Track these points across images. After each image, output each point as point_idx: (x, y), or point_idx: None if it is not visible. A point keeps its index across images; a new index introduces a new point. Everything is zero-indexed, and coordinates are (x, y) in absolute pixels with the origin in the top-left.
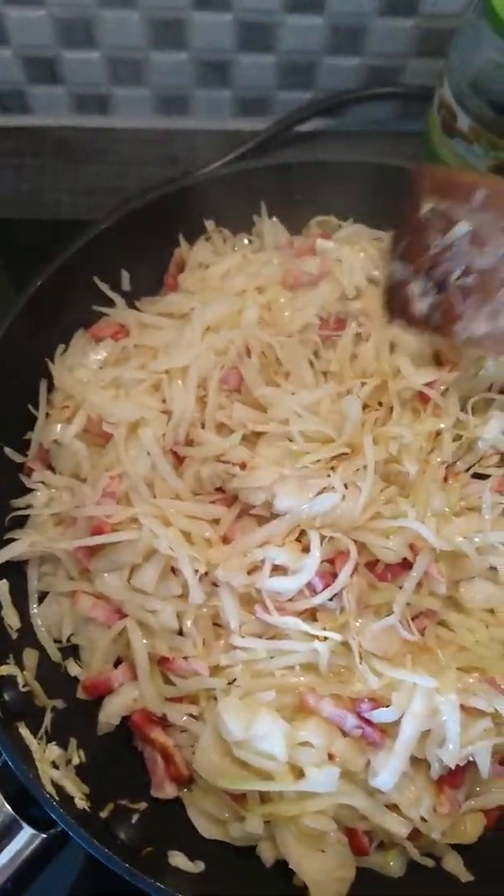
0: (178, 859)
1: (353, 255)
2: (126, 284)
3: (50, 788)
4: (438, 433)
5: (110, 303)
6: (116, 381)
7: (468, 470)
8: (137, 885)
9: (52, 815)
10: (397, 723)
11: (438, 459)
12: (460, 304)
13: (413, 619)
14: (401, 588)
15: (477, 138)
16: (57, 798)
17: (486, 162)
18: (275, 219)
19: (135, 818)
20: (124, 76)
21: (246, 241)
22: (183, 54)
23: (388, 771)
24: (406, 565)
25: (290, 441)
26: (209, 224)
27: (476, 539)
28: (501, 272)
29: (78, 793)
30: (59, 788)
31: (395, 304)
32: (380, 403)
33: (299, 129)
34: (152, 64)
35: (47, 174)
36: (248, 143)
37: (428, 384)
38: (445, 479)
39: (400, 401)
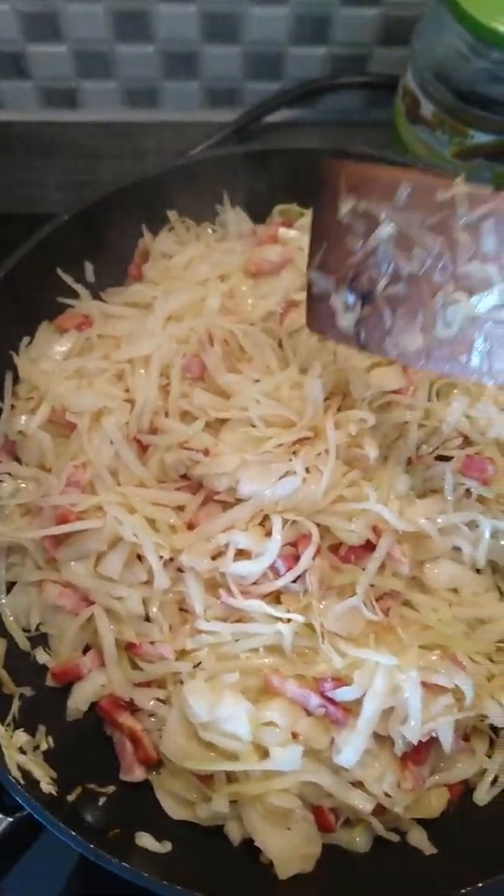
0: (145, 840)
1: None
2: (90, 276)
3: (15, 772)
4: (405, 423)
5: (75, 294)
6: (80, 371)
7: (432, 453)
8: (102, 865)
9: (17, 797)
10: (360, 701)
11: (403, 447)
12: (389, 316)
13: (378, 600)
14: (364, 570)
15: (440, 125)
16: (22, 782)
17: (449, 148)
18: (238, 208)
19: (102, 801)
20: (91, 69)
21: (210, 231)
22: (149, 46)
23: (350, 748)
24: (369, 547)
25: (253, 427)
26: (172, 214)
27: (439, 520)
28: (433, 277)
29: (45, 777)
30: (25, 773)
31: (318, 320)
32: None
33: (269, 120)
34: (119, 56)
35: (18, 169)
36: (218, 135)
37: (395, 391)
38: (410, 462)
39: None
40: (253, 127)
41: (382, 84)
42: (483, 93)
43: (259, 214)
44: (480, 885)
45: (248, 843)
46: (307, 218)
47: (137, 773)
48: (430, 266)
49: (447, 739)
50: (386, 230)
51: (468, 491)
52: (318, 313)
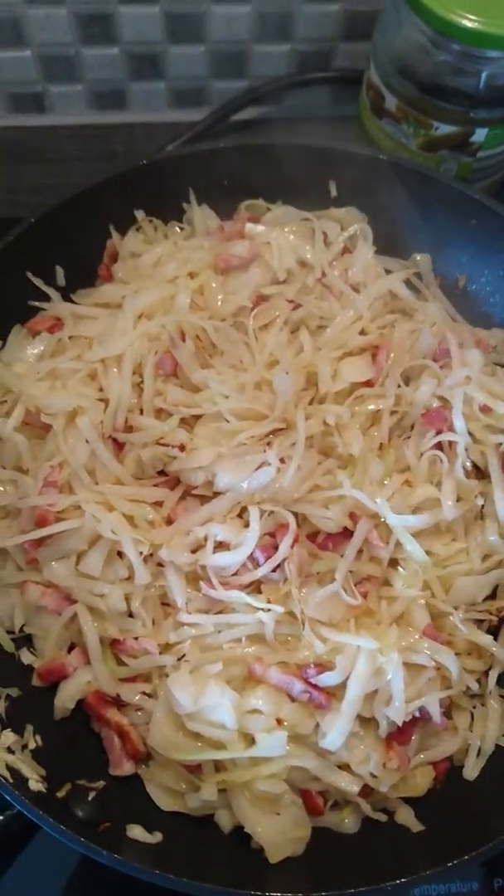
0: (136, 831)
1: (281, 237)
2: (61, 279)
3: (3, 771)
4: (378, 411)
5: (46, 297)
6: (53, 373)
7: (403, 436)
8: (93, 857)
9: (6, 795)
10: (343, 685)
11: (376, 434)
12: None
13: (356, 584)
14: (342, 556)
15: (404, 117)
16: (10, 780)
17: (414, 141)
18: (205, 205)
19: (92, 796)
20: (57, 73)
21: (178, 229)
22: (114, 48)
23: (335, 731)
24: (347, 534)
25: (227, 422)
26: (139, 214)
27: None
28: None
29: (33, 775)
30: (13, 772)
31: None
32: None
33: (237, 118)
34: (84, 59)
35: None
36: (187, 134)
37: (365, 383)
38: (380, 447)
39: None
40: (221, 126)
41: (348, 79)
42: (445, 84)
43: (226, 211)
44: (466, 857)
45: (238, 830)
46: (274, 212)
47: (126, 768)
48: None
49: (436, 713)
50: None
51: None
52: None
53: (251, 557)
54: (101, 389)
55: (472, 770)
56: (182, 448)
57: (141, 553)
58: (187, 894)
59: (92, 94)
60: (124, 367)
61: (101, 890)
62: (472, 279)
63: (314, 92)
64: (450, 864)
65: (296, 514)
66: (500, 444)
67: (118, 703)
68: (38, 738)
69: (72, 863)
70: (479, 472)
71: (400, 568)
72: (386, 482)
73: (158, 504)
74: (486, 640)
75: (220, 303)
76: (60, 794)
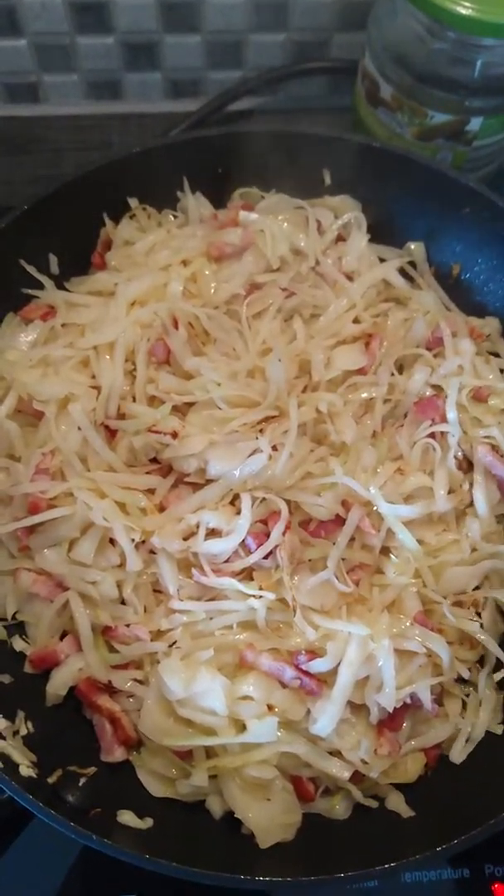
0: (127, 817)
1: (274, 225)
2: (54, 267)
3: None
4: (371, 398)
5: (40, 285)
6: (45, 360)
7: (395, 425)
8: (83, 842)
9: None
10: (334, 671)
11: (369, 422)
12: None
13: (348, 572)
14: (334, 544)
15: (399, 107)
16: (1, 766)
17: (409, 130)
18: (198, 193)
19: (83, 782)
20: (52, 63)
21: (172, 217)
22: (109, 38)
23: (326, 717)
24: (339, 522)
25: (219, 409)
26: (133, 202)
27: None
28: None
29: (24, 761)
30: (4, 757)
31: None
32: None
33: (233, 109)
34: (79, 49)
35: None
36: (182, 125)
37: (358, 371)
38: (373, 435)
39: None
40: (216, 116)
41: (343, 69)
42: (440, 74)
43: (220, 199)
44: (455, 842)
45: (229, 816)
46: (267, 200)
47: (118, 754)
48: None
49: (427, 699)
50: None
51: None
52: None
53: (243, 544)
54: (93, 377)
55: (458, 754)
56: (174, 435)
57: (133, 540)
58: (179, 879)
59: (87, 84)
60: (116, 354)
61: (102, 881)
62: (466, 268)
63: (310, 82)
64: (439, 849)
65: (288, 502)
66: (485, 437)
67: (110, 689)
68: (29, 724)
69: (71, 854)
70: (469, 464)
71: (392, 556)
72: (378, 470)
73: (150, 491)
74: (473, 627)
75: (213, 290)
76: (51, 780)
